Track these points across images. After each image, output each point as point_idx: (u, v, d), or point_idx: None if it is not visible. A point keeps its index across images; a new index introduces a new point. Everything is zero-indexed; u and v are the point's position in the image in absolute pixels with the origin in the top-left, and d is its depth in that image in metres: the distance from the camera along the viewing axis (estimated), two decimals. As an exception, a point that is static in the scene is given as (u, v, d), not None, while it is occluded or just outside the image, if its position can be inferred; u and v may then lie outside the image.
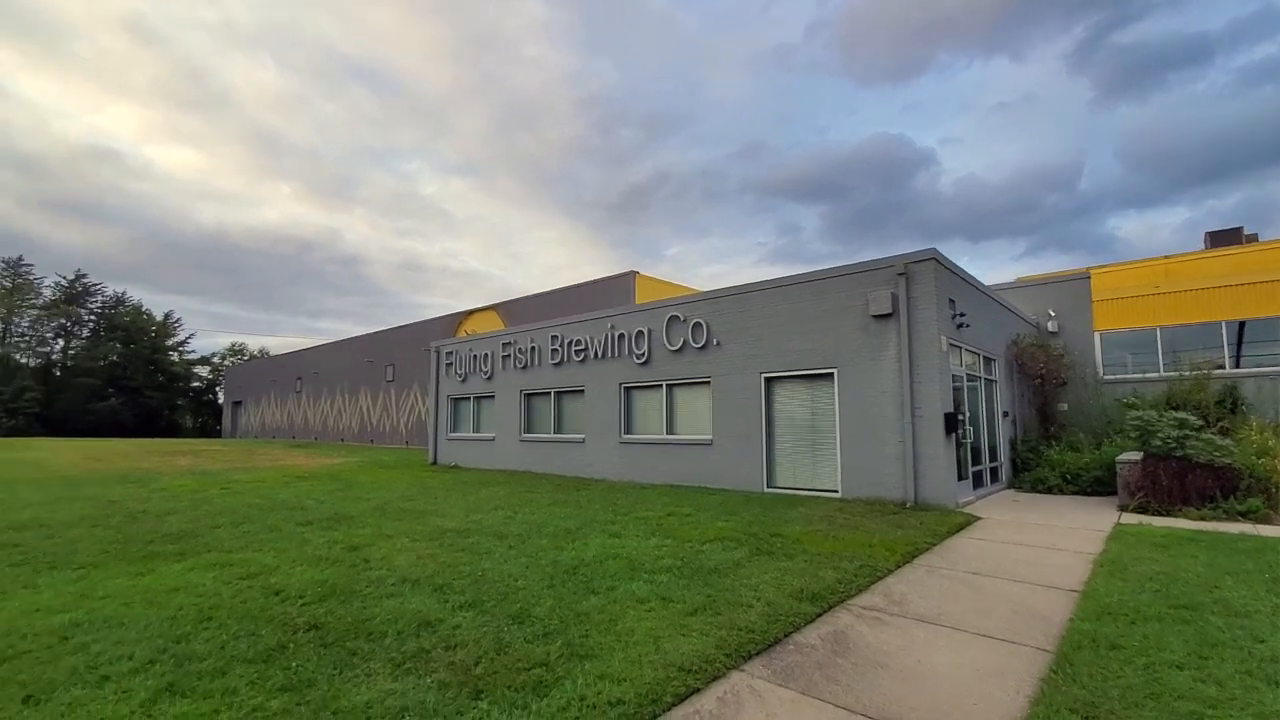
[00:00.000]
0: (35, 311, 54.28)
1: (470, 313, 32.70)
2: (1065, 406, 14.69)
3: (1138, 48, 75.04)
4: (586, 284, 27.69)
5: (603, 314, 14.13)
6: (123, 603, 4.74)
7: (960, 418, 9.37)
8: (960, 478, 9.79)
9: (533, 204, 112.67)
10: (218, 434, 56.94)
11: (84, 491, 11.60)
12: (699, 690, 3.36)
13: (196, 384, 64.75)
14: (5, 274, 53.86)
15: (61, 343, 56.17)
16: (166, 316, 62.19)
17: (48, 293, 55.30)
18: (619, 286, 25.72)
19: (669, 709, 3.16)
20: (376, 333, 39.91)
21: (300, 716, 2.99)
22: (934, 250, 9.45)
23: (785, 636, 4.14)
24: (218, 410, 61.21)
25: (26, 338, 54.54)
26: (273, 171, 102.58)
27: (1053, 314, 15.57)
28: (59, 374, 54.26)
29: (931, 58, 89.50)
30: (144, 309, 60.78)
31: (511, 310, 29.87)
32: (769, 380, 11.09)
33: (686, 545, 6.57)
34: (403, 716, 2.99)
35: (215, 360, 66.77)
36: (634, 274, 25.55)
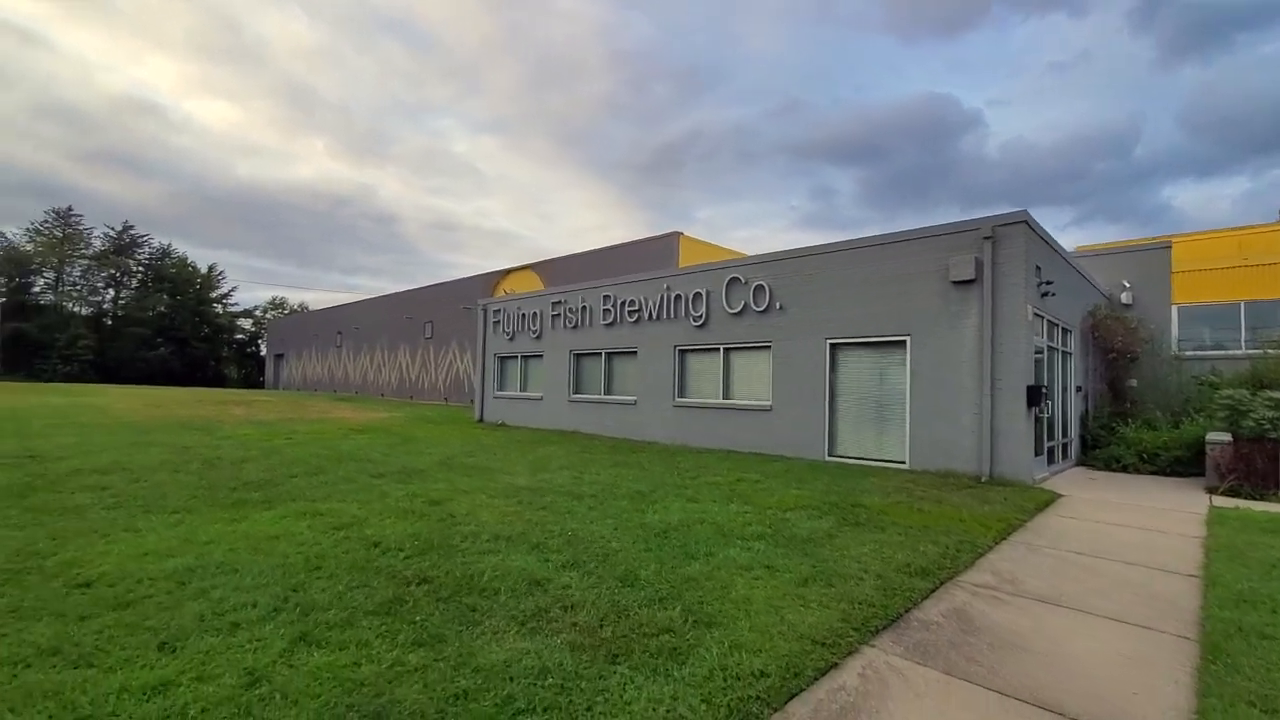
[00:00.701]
0: (86, 261, 55.90)
1: (508, 271, 32.64)
2: (1136, 383, 14.07)
3: (1205, 5, 69.36)
4: (628, 244, 27.32)
5: (658, 274, 13.86)
6: (228, 548, 4.79)
7: (1043, 390, 8.98)
8: (1036, 453, 9.45)
9: (563, 164, 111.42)
10: (261, 385, 58.62)
11: (154, 438, 11.93)
12: (837, 665, 3.23)
13: (240, 336, 66.47)
14: (56, 224, 55.40)
15: (112, 293, 57.98)
16: (210, 269, 63.61)
17: (97, 243, 56.84)
18: (662, 248, 25.30)
19: (812, 683, 3.04)
20: (415, 289, 40.20)
21: (441, 672, 2.94)
22: (1024, 212, 8.93)
23: (905, 612, 3.99)
24: (261, 362, 62.92)
25: (78, 287, 56.36)
26: (306, 126, 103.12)
27: (1127, 285, 14.80)
28: (110, 323, 56.13)
29: (985, 11, 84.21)
30: (189, 261, 62.21)
31: (550, 270, 29.69)
32: (834, 346, 10.78)
33: (768, 513, 6.44)
34: (545, 677, 2.92)
35: (257, 313, 68.32)
36: (678, 235, 25.08)
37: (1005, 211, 9.08)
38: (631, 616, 3.63)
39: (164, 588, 3.97)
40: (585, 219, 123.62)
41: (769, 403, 11.57)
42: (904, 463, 9.80)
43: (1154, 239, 16.94)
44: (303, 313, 63.10)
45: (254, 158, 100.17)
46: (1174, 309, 14.84)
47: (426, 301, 38.13)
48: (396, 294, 42.37)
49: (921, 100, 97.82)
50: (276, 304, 70.67)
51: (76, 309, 55.78)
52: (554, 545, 5.04)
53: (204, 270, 63.41)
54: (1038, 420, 9.40)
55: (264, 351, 61.97)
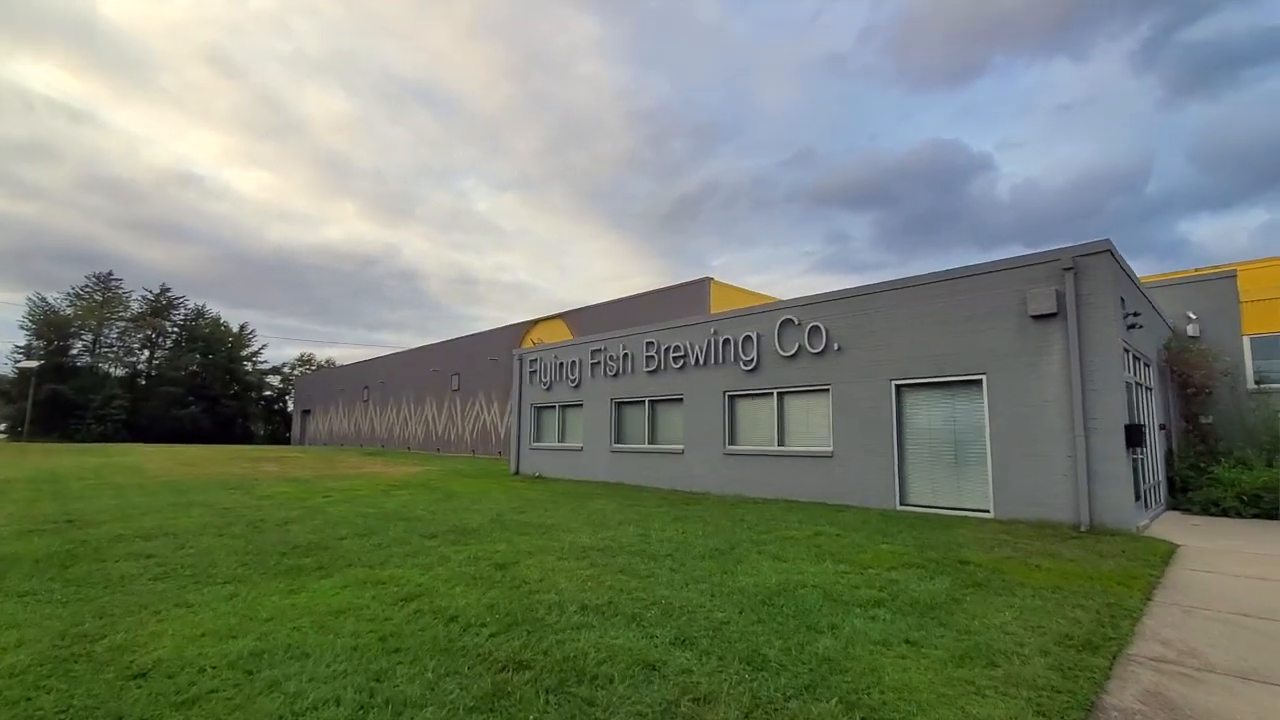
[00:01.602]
0: (123, 323, 57.32)
1: (536, 321, 32.59)
2: (1211, 419, 13.22)
3: (1208, 44, 70.56)
4: (657, 291, 27.18)
5: (705, 319, 13.50)
6: (292, 626, 4.30)
7: (1143, 429, 8.31)
8: (1134, 498, 8.69)
9: (582, 218, 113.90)
10: (287, 441, 58.78)
11: (192, 497, 11.58)
12: (1055, 776, 2.62)
13: (268, 393, 67.17)
14: (96, 288, 57.13)
15: (146, 353, 59.17)
16: (242, 328, 64.90)
17: (135, 306, 58.38)
18: (693, 293, 25.08)
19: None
20: (441, 342, 40.36)
21: (580, 796, 2.38)
22: (1108, 241, 8.45)
23: (1097, 698, 3.34)
24: (287, 418, 63.30)
25: (114, 348, 57.65)
26: (339, 191, 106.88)
27: (1193, 316, 14.10)
28: (144, 383, 57.08)
29: (988, 60, 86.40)
30: (222, 321, 63.55)
31: (580, 319, 29.57)
32: (900, 388, 10.21)
33: (870, 573, 5.80)
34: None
35: (285, 370, 69.20)
36: (708, 280, 24.88)
37: (1087, 241, 8.60)
38: (783, 712, 3.04)
39: (229, 678, 3.47)
40: (602, 269, 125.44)
41: (829, 449, 10.94)
42: (988, 511, 9.07)
43: (1217, 268, 16.27)
44: (329, 368, 63.80)
45: (287, 222, 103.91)
46: (1246, 340, 14.06)
47: (453, 354, 38.18)
48: (423, 348, 42.59)
49: (931, 146, 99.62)
50: (304, 360, 71.65)
51: (112, 369, 56.92)
52: (651, 617, 4.47)
53: (235, 329, 64.72)
54: (1134, 463, 8.68)
55: (291, 408, 62.45)
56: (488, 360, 34.32)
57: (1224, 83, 78.59)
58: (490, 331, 35.95)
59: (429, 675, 3.47)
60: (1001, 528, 8.18)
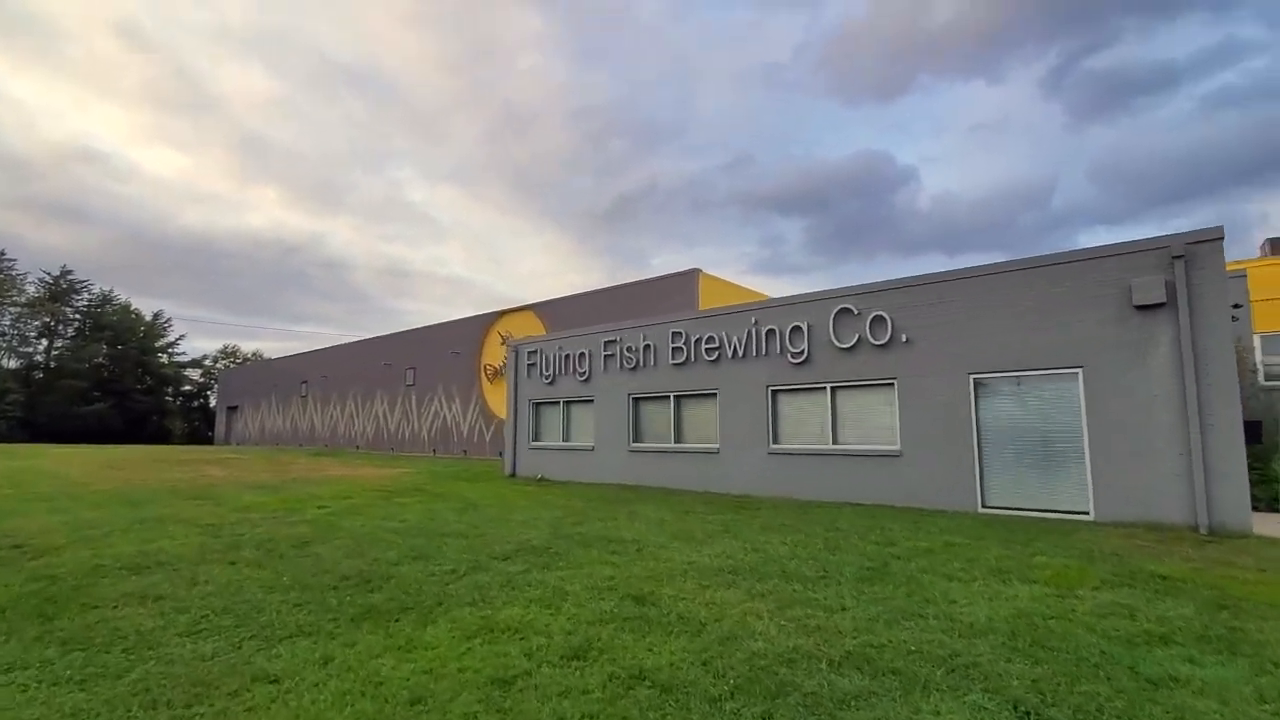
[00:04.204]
0: (17, 309, 51.02)
1: (503, 313, 30.73)
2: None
3: (1108, 73, 77.45)
4: (638, 283, 26.06)
5: (743, 308, 12.50)
6: (462, 715, 2.99)
7: (1259, 425, 7.91)
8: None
9: (520, 212, 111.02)
10: (210, 440, 53.98)
11: (153, 511, 9.62)
12: None
13: (187, 388, 61.60)
14: (-16, 269, 50.57)
15: (45, 343, 52.93)
16: (156, 316, 59.18)
17: (31, 289, 52.09)
18: (678, 286, 24.08)
19: None
20: (394, 334, 37.79)
21: None
22: (1220, 229, 8.01)
23: None
24: (209, 415, 58.21)
25: (7, 337, 51.23)
26: (259, 176, 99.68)
27: (1238, 306, 14.25)
28: (41, 376, 51.00)
29: (912, 79, 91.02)
30: (133, 308, 57.69)
31: (552, 311, 28.02)
32: (979, 382, 9.54)
33: (1081, 594, 4.94)
34: None
35: (207, 363, 63.67)
36: (697, 272, 23.96)
37: (1200, 229, 8.12)
38: None
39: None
40: (540, 264, 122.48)
41: (897, 447, 10.18)
42: (1087, 513, 8.49)
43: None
44: (258, 362, 59.06)
45: (202, 205, 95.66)
46: (1257, 337, 14.36)
47: (406, 347, 35.75)
48: (371, 340, 39.75)
49: (862, 157, 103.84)
50: (228, 353, 66.10)
51: (4, 361, 50.59)
52: (939, 679, 3.40)
53: (148, 318, 58.87)
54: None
55: (214, 404, 57.43)
56: (449, 354, 32.23)
57: (1119, 109, 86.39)
58: (450, 323, 33.77)
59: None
60: (1124, 532, 7.58)
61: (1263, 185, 76.90)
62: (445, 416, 32.47)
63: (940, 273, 10.10)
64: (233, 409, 51.27)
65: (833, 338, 10.97)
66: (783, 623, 4.29)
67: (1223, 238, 8.00)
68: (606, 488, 13.13)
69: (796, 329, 11.43)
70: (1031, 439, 9.10)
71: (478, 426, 30.08)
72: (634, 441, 13.96)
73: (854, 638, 3.98)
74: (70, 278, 53.77)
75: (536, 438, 16.32)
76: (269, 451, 32.59)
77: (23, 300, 51.04)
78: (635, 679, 3.38)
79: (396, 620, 4.42)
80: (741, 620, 4.33)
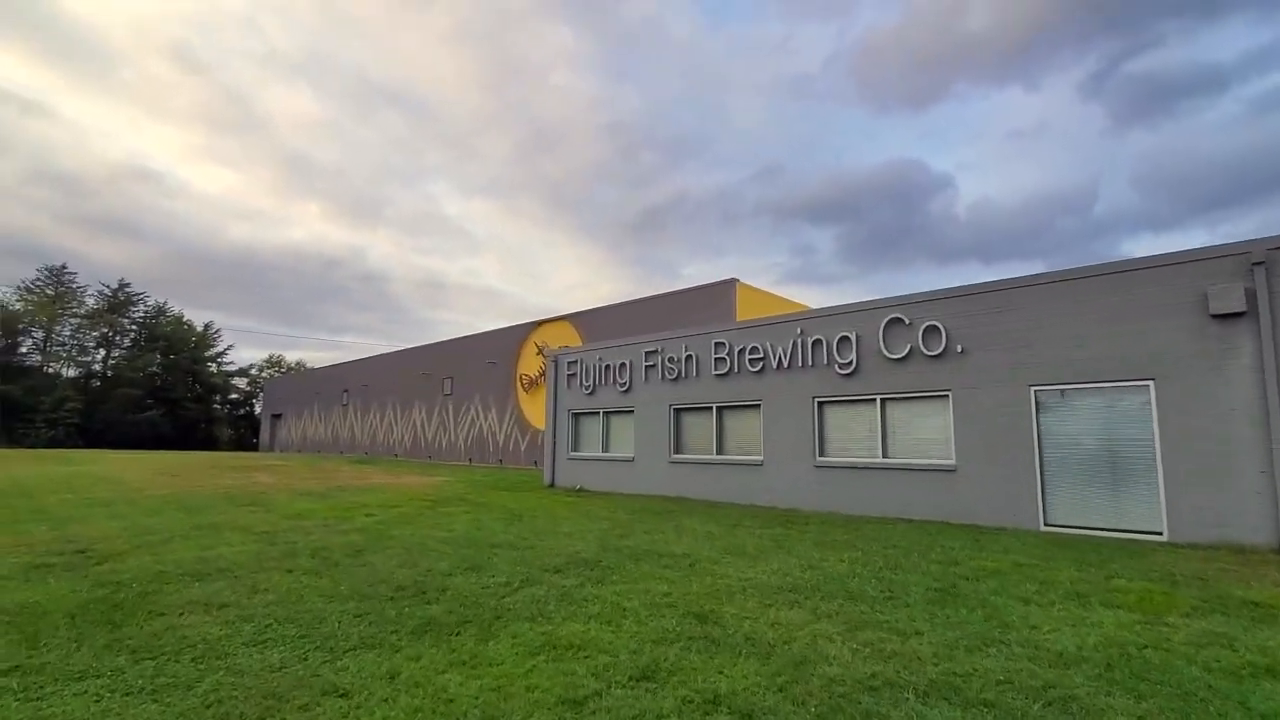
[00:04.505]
0: (77, 320, 53.46)
1: (540, 323, 30.93)
2: None
3: (1149, 77, 74.74)
4: (675, 293, 25.96)
5: (788, 318, 12.30)
6: (539, 737, 2.90)
7: (1354, 443, 7.40)
8: (1326, 519, 7.77)
9: (552, 225, 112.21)
10: (255, 447, 55.54)
11: (209, 518, 9.85)
12: None
13: (234, 396, 63.59)
14: (48, 282, 53.21)
15: (102, 352, 55.29)
16: (206, 327, 61.35)
17: (90, 302, 54.55)
18: (716, 297, 23.91)
19: None
20: (432, 345, 38.39)
21: None
22: (1307, 232, 7.56)
23: None
24: (254, 423, 59.93)
25: (67, 347, 53.70)
26: (303, 192, 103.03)
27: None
28: (98, 384, 53.24)
29: (947, 87, 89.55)
30: (185, 319, 59.89)
31: (589, 321, 28.11)
32: (1040, 393, 9.17)
33: (1173, 622, 4.63)
34: None
35: (253, 372, 65.70)
36: (734, 282, 23.77)
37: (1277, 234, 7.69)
38: None
39: None
40: (572, 275, 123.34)
41: (952, 461, 9.84)
42: (1159, 533, 8.05)
43: None
44: (302, 371, 60.66)
45: (248, 221, 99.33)
46: None
47: (444, 357, 36.27)
48: (410, 350, 40.47)
49: (894, 165, 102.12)
50: (273, 362, 68.17)
51: (64, 370, 52.98)
52: (1035, 713, 3.19)
53: (199, 329, 61.07)
54: (1334, 479, 7.76)
55: (259, 411, 59.14)
56: (485, 364, 32.57)
57: (1162, 113, 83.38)
58: (486, 334, 34.18)
59: None
60: (1202, 554, 7.15)
61: (1315, 190, 73.24)
62: (481, 426, 32.76)
63: (998, 280, 9.77)
64: (277, 417, 52.69)
65: (883, 348, 10.69)
66: (855, 646, 4.11)
67: (1309, 242, 7.55)
68: (648, 499, 13.00)
69: (844, 339, 11.19)
70: (1098, 454, 8.69)
71: (513, 436, 30.26)
72: (675, 453, 13.82)
73: (935, 665, 3.78)
74: (128, 290, 56.16)
75: (575, 448, 16.30)
76: (312, 458, 33.36)
77: (82, 312, 53.45)
78: (710, 704, 3.25)
79: (457, 634, 4.37)
80: (812, 643, 4.16)
